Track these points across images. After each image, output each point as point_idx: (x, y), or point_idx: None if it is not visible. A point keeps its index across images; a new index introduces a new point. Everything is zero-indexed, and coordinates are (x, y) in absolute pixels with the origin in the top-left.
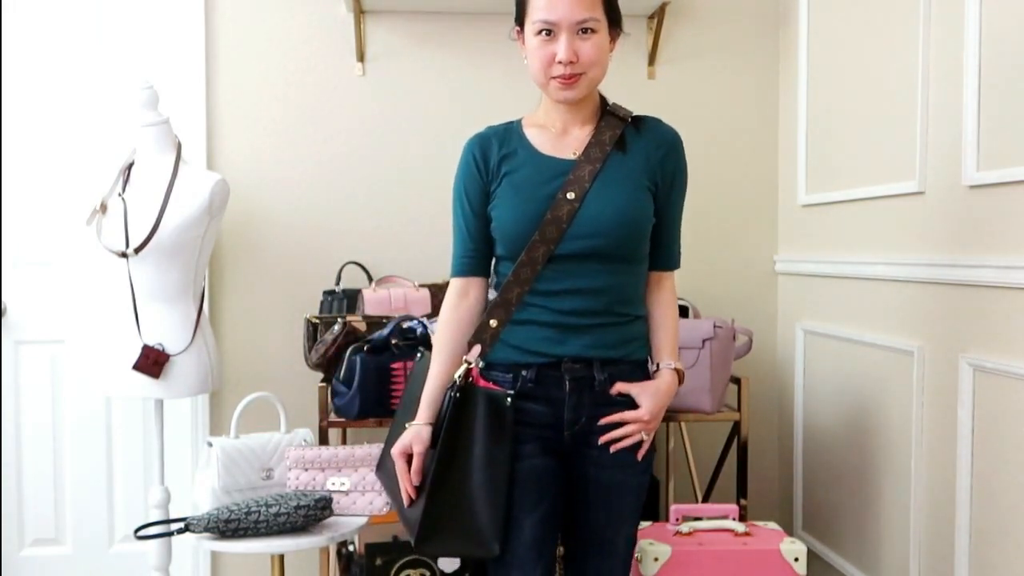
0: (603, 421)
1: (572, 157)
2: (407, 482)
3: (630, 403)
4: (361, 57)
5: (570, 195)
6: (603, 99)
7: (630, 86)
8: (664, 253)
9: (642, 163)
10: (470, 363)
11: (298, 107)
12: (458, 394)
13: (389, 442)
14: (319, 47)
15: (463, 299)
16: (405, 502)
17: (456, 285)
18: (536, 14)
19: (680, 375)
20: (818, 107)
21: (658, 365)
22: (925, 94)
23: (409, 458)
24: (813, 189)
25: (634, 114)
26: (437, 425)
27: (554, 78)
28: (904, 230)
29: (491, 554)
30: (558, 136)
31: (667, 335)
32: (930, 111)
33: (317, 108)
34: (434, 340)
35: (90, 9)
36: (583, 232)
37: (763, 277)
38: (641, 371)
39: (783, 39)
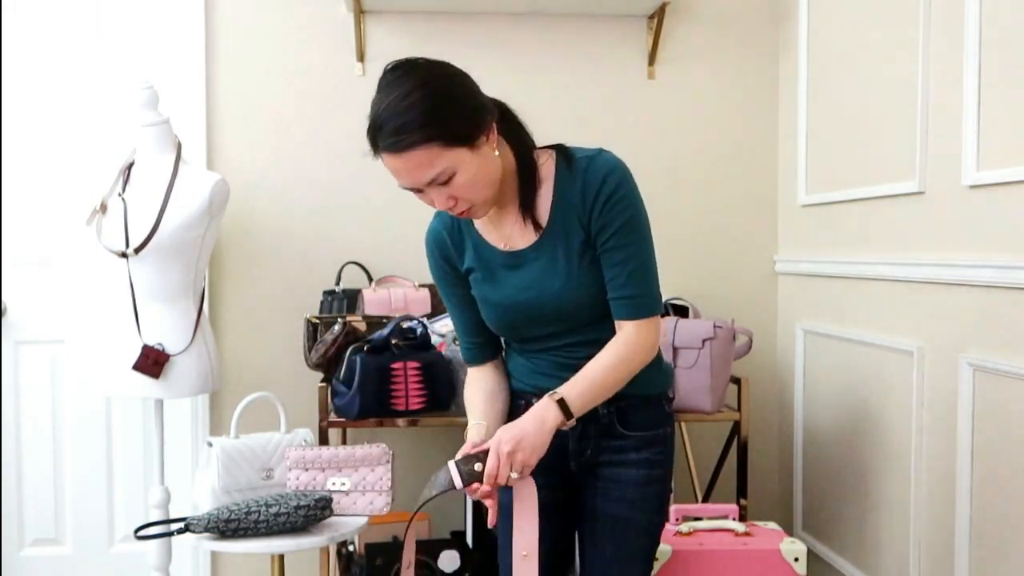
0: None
1: (520, 246)
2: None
3: (637, 436)
4: (361, 57)
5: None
6: (530, 166)
7: (630, 86)
8: (615, 301)
9: (574, 225)
10: None
11: (298, 107)
12: None
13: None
14: (319, 47)
15: (483, 376)
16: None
17: (472, 372)
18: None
19: (564, 408)
20: (818, 107)
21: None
22: (925, 94)
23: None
24: (813, 189)
25: (567, 152)
26: None
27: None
28: (904, 230)
29: None
30: (497, 225)
31: (579, 374)
32: (930, 111)
33: (317, 108)
34: (470, 405)
35: (90, 9)
36: (543, 318)
37: (763, 277)
38: (652, 407)
39: (783, 39)
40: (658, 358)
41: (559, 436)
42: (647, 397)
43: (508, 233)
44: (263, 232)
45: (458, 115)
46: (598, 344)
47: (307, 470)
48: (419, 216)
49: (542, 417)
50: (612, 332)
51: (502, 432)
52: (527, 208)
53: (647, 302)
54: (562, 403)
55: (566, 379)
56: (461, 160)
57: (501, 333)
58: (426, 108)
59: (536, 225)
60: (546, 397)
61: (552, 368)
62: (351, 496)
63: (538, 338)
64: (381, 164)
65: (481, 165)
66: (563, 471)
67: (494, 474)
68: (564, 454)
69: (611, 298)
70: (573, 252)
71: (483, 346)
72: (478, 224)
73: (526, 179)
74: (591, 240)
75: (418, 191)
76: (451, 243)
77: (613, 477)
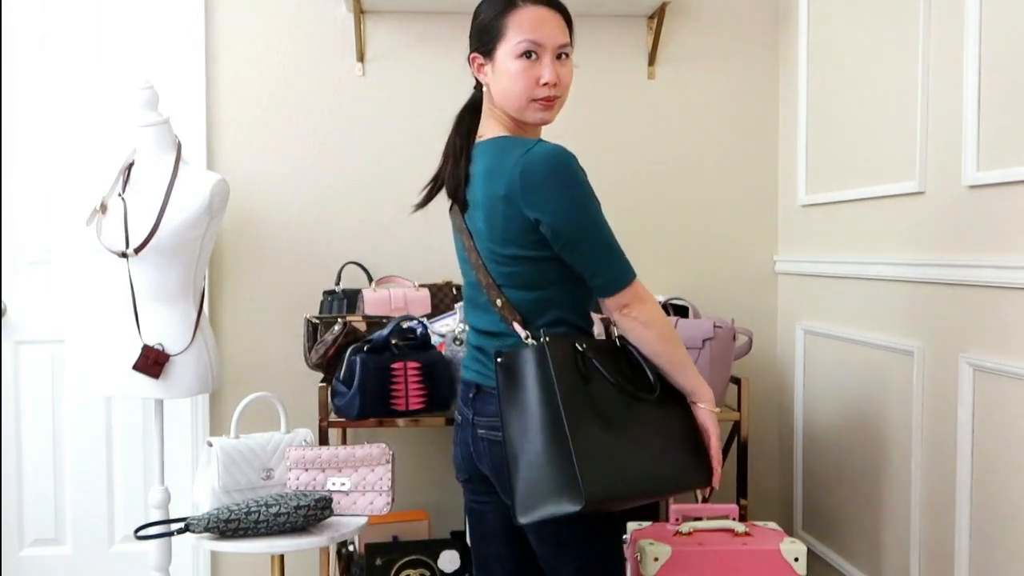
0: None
1: None
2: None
3: None
4: (361, 57)
5: None
6: None
7: (630, 86)
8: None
9: None
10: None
11: (298, 107)
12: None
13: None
14: (319, 47)
15: None
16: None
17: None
18: (519, 35)
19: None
20: (818, 107)
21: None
22: (925, 94)
23: None
24: (813, 189)
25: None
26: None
27: (535, 100)
28: (904, 230)
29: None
30: None
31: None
32: (930, 111)
33: (317, 108)
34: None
35: (90, 9)
36: None
37: (763, 277)
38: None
39: (783, 39)
40: None
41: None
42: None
43: None
44: (263, 232)
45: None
46: None
47: (307, 470)
48: (419, 216)
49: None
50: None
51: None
52: None
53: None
54: None
55: None
56: (571, 54)
57: None
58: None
59: None
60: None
61: None
62: (351, 496)
63: None
64: (381, 164)
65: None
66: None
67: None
68: None
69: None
70: None
71: None
72: None
73: None
74: None
75: (534, 54)
76: None
77: None
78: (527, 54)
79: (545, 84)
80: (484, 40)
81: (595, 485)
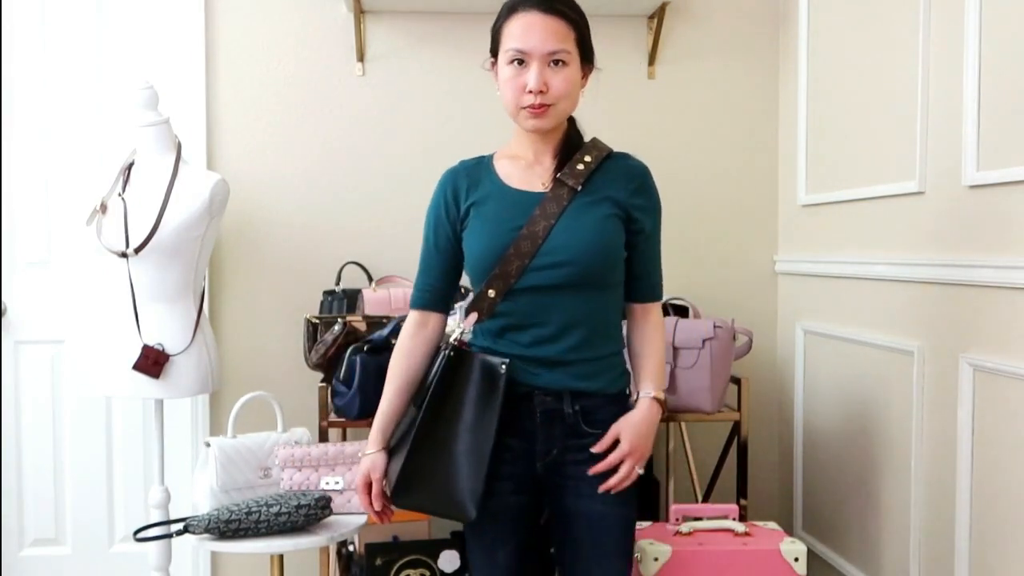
0: (592, 471)
1: (541, 189)
2: (374, 509)
3: (601, 433)
4: (361, 57)
5: (535, 228)
6: (579, 134)
7: (630, 86)
8: (644, 283)
9: (611, 194)
10: (463, 330)
11: (298, 107)
12: (452, 353)
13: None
14: (319, 47)
15: (421, 329)
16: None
17: (414, 316)
18: (509, 43)
19: (662, 405)
20: (818, 107)
21: (637, 394)
22: (925, 94)
23: (370, 487)
24: (813, 189)
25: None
26: (425, 386)
27: (524, 108)
28: (904, 230)
29: (468, 518)
30: (528, 168)
31: (650, 363)
32: (930, 111)
33: (317, 108)
34: (389, 368)
35: (90, 9)
36: (548, 263)
37: (763, 277)
38: (616, 404)
39: (783, 39)
40: (622, 356)
41: (525, 439)
42: (612, 395)
43: (538, 175)
44: (263, 232)
45: (589, 36)
46: (562, 328)
47: (300, 469)
48: (419, 216)
49: (653, 419)
50: (579, 315)
51: (632, 438)
52: (567, 156)
53: (662, 288)
54: (661, 400)
55: (539, 376)
56: (574, 62)
57: (482, 272)
58: (578, 8)
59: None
60: (649, 399)
61: (524, 364)
62: (345, 495)
63: (514, 294)
64: (381, 164)
65: (577, 82)
66: (529, 475)
67: (627, 475)
68: (530, 457)
69: (639, 279)
70: (605, 215)
71: (435, 291)
72: (501, 172)
73: (569, 138)
74: (622, 212)
75: (523, 62)
76: (466, 181)
77: (582, 475)
78: (516, 61)
79: (531, 91)
80: (493, 46)
81: None
